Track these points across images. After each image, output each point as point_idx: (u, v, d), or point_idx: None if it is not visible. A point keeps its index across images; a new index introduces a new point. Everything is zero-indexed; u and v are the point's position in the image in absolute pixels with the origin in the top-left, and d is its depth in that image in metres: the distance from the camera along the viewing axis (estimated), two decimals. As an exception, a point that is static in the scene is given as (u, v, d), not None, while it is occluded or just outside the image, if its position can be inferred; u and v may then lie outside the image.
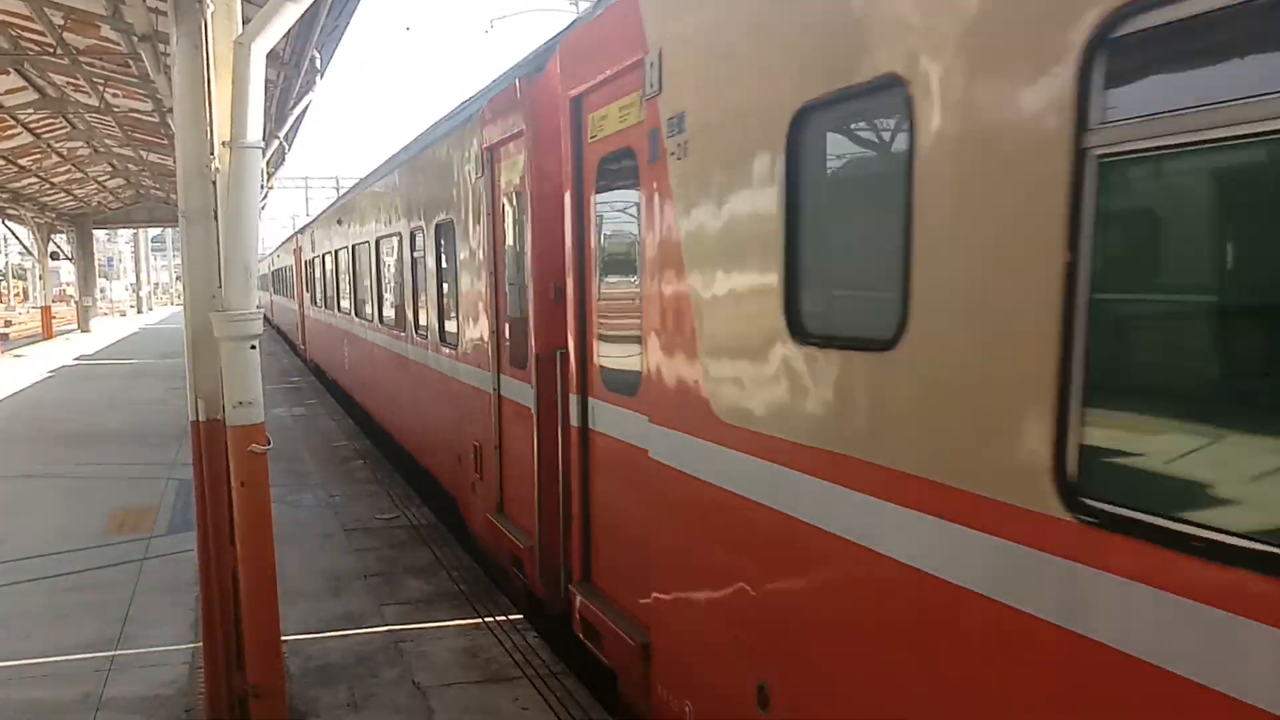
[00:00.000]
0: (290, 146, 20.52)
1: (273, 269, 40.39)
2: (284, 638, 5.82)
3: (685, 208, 4.41)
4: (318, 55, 12.36)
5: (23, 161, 26.51)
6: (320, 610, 7.47)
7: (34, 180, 30.59)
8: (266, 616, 5.52)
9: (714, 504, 4.35)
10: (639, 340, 5.06)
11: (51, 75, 17.68)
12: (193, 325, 5.47)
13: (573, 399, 6.10)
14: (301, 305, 24.99)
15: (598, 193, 5.76)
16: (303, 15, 5.23)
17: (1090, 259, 2.44)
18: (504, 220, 7.57)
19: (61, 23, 13.45)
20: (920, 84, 2.92)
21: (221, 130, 5.15)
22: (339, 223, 17.27)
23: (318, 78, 13.00)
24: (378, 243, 13.32)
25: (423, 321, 10.68)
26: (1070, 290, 2.47)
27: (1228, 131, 2.16)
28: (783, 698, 3.89)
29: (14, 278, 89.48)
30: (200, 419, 5.56)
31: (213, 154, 5.23)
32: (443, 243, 9.57)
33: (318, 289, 21.42)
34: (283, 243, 36.86)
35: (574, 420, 6.11)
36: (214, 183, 5.25)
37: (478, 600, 7.60)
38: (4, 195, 32.19)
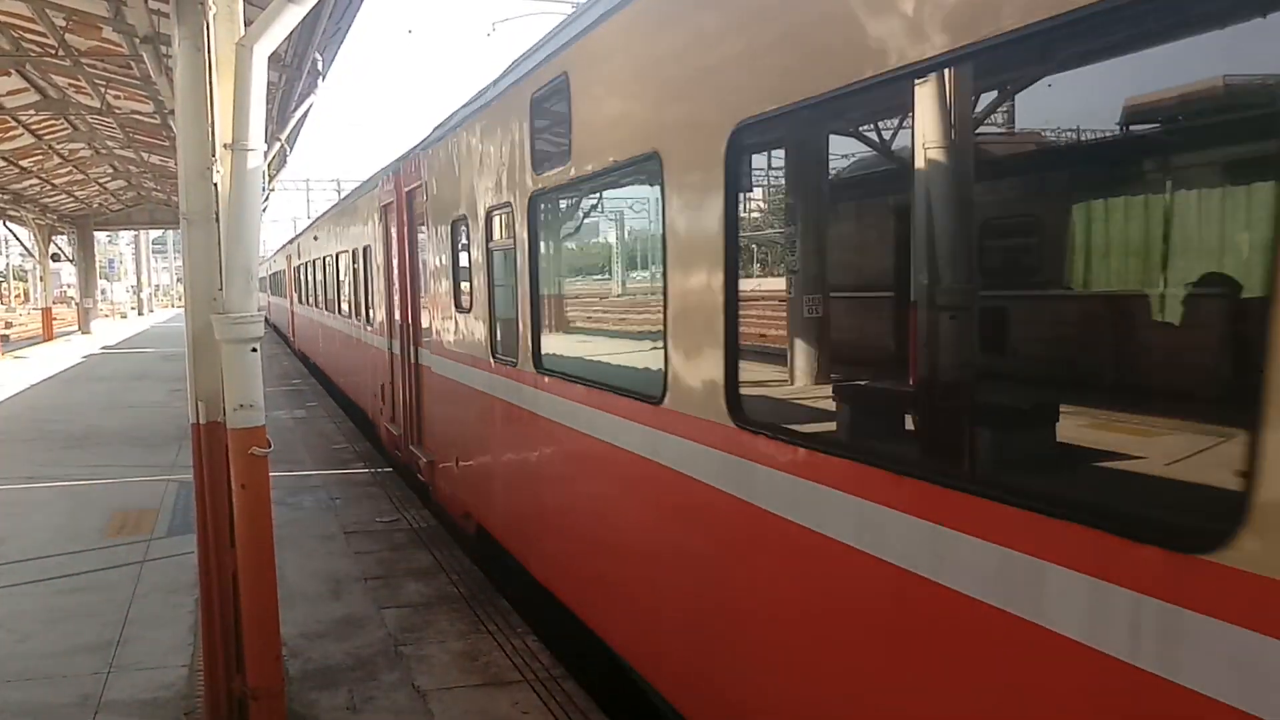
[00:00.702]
0: (292, 148, 20.53)
1: (270, 273, 41.96)
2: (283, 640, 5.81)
3: (448, 265, 9.23)
4: (319, 57, 12.38)
5: (24, 163, 26.53)
6: (320, 613, 7.47)
7: (35, 182, 30.61)
8: (266, 619, 5.51)
9: (445, 386, 9.54)
10: (429, 314, 10.14)
11: (53, 76, 17.69)
12: (194, 328, 5.47)
13: (412, 349, 11.13)
14: (291, 303, 30.33)
15: (416, 241, 10.94)
16: (305, 18, 5.23)
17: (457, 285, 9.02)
18: (392, 249, 12.08)
19: (63, 24, 13.46)
20: (469, 222, 8.14)
21: (223, 132, 5.15)
22: (315, 239, 22.37)
23: (319, 80, 13.01)
24: (337, 256, 18.25)
25: (359, 310, 15.47)
26: (455, 296, 8.87)
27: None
28: (462, 460, 9.10)
29: (15, 279, 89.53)
30: (201, 421, 5.55)
31: (214, 156, 5.23)
32: (368, 259, 14.28)
33: (303, 289, 26.52)
34: (276, 251, 42.78)
35: (413, 360, 11.14)
36: (215, 185, 5.25)
37: (478, 604, 7.60)
38: (5, 196, 32.20)
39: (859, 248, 4.09)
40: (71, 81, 17.83)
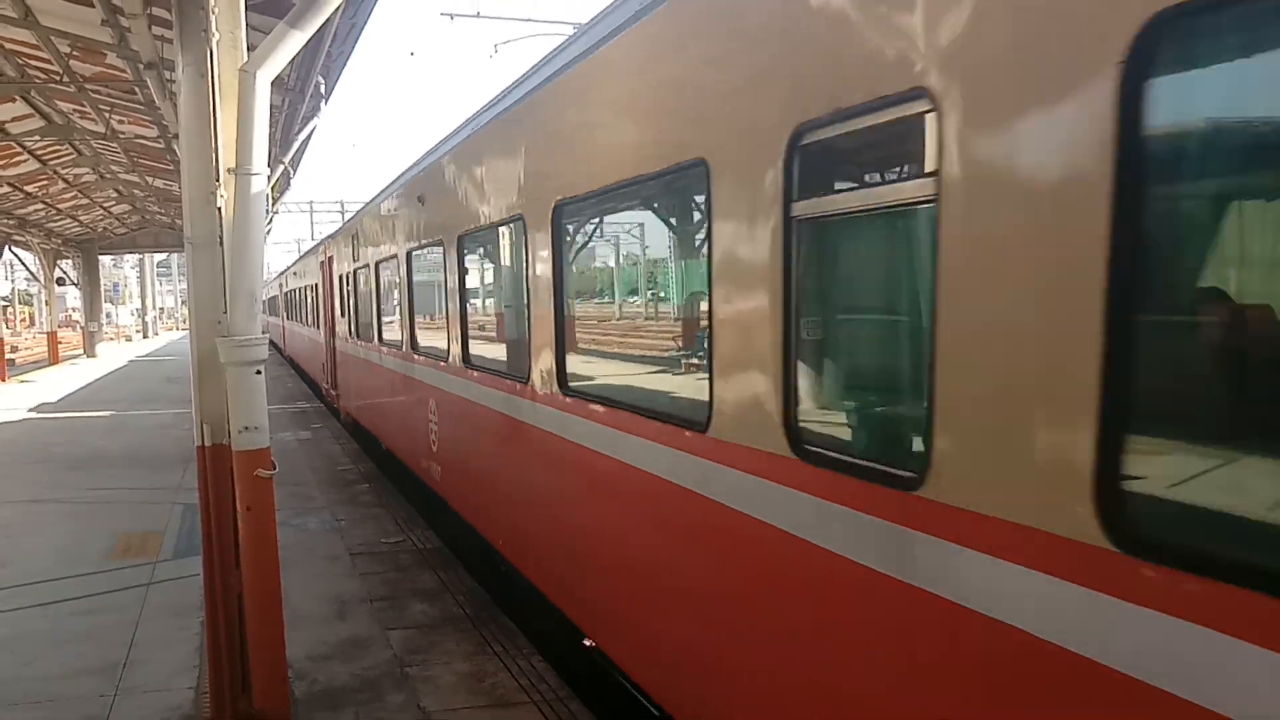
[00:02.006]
0: (295, 171, 20.65)
1: (268, 298, 43.98)
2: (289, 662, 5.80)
3: (338, 295, 18.35)
4: (322, 81, 12.44)
5: (29, 188, 26.64)
6: (326, 634, 7.46)
7: (40, 206, 30.73)
8: (272, 641, 5.52)
9: (342, 354, 18.29)
10: (337, 319, 18.61)
11: (58, 102, 17.79)
12: (198, 350, 5.50)
13: (332, 338, 19.48)
14: (282, 320, 39.08)
15: (332, 282, 19.03)
16: (307, 43, 5.28)
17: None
18: (324, 286, 20.39)
19: (68, 51, 13.55)
20: (346, 275, 17.05)
21: (227, 157, 5.20)
22: (295, 275, 31.83)
23: (322, 103, 13.09)
24: (303, 289, 27.46)
25: (313, 321, 24.18)
26: (343, 309, 18.00)
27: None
28: (346, 387, 18.11)
29: (20, 304, 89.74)
30: (206, 443, 5.58)
31: (218, 180, 5.28)
32: (317, 291, 22.68)
33: (288, 310, 35.63)
34: (271, 280, 48.37)
35: (333, 345, 19.46)
36: (219, 209, 5.30)
37: (483, 625, 7.59)
38: (10, 222, 32.34)
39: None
40: (76, 107, 17.93)
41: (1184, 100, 2.46)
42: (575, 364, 6.13)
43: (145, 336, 67.84)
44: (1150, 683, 2.33)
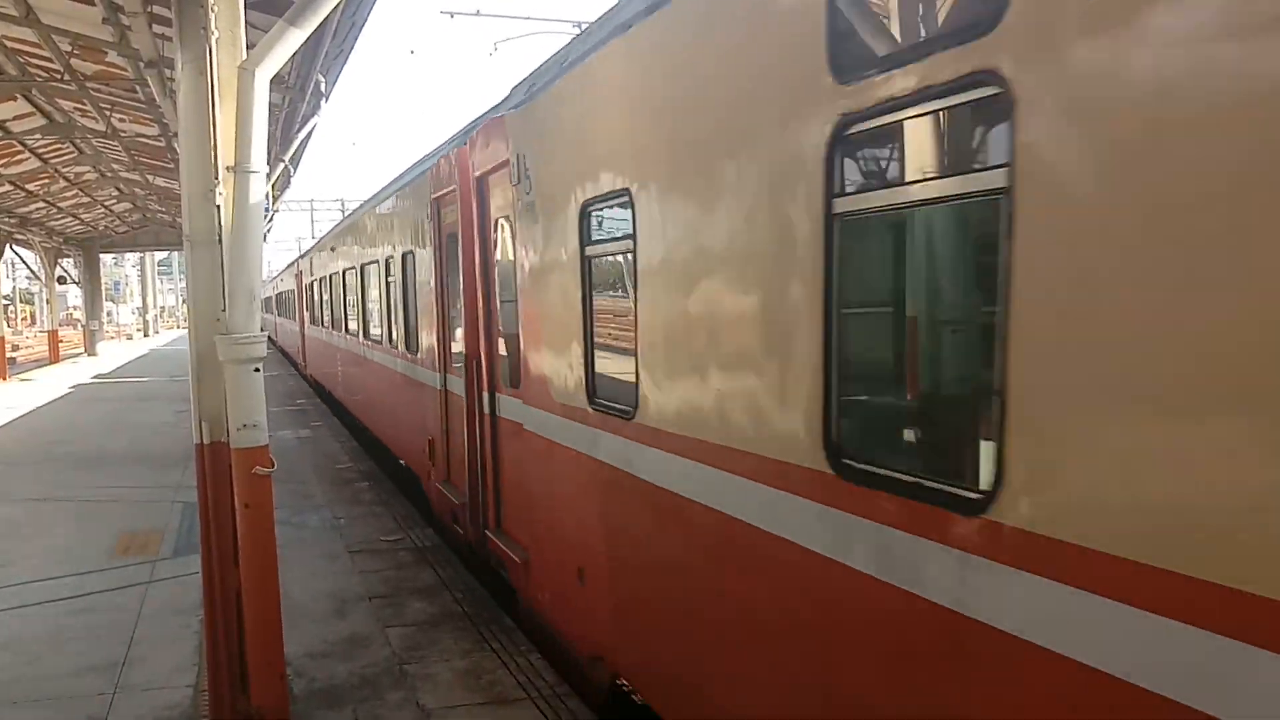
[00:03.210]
0: (295, 169, 20.64)
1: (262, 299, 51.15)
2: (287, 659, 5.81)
3: (305, 297, 27.78)
4: (322, 79, 12.43)
5: (30, 186, 26.64)
6: (325, 632, 7.47)
7: (41, 205, 30.73)
8: (270, 639, 5.53)
9: (310, 339, 26.83)
10: (305, 313, 27.96)
11: (59, 101, 17.80)
12: (197, 348, 5.51)
13: (302, 327, 28.77)
14: (275, 316, 45.72)
15: (302, 290, 28.25)
16: (306, 41, 5.29)
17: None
18: (298, 291, 29.29)
19: (69, 49, 13.55)
20: (311, 286, 26.16)
21: (226, 155, 5.20)
22: (281, 280, 40.24)
23: (322, 101, 13.07)
24: (286, 291, 35.77)
25: (292, 314, 32.61)
26: (309, 307, 27.49)
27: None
28: (313, 362, 26.40)
29: (21, 302, 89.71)
30: (205, 441, 5.58)
31: (217, 179, 5.29)
32: (292, 297, 32.39)
33: (275, 306, 44.38)
34: (267, 282, 53.44)
35: (304, 332, 28.21)
36: (218, 207, 5.30)
37: (482, 622, 7.60)
38: (12, 220, 32.35)
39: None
40: (77, 105, 17.93)
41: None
42: (351, 324, 15.74)
43: (146, 335, 67.84)
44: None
